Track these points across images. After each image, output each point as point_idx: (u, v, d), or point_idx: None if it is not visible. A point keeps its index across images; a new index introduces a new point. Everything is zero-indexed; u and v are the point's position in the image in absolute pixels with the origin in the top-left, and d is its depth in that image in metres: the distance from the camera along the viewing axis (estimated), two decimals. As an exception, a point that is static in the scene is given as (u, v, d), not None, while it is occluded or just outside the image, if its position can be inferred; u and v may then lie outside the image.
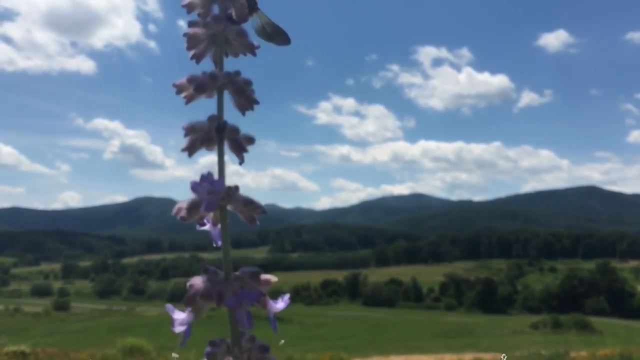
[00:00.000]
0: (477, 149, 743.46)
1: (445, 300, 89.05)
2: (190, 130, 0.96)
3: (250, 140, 1.01)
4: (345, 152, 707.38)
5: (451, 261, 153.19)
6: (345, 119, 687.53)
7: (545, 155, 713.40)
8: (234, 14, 1.05)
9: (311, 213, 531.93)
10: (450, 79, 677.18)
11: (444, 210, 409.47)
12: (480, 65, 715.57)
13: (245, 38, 1.03)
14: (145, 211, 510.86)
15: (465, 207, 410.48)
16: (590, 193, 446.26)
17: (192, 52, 1.01)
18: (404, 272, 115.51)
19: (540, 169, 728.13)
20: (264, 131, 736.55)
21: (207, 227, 1.11)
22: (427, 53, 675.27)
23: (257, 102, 1.03)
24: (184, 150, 0.98)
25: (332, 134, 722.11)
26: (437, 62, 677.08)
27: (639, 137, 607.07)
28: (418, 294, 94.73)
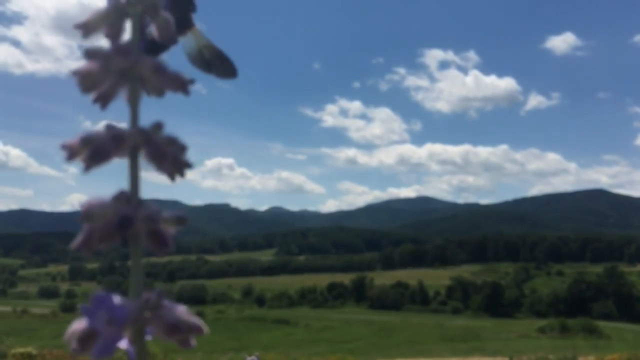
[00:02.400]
0: (484, 152, 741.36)
1: (451, 303, 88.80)
2: (87, 216, 0.64)
3: (181, 220, 0.66)
4: (352, 155, 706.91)
5: (458, 264, 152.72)
6: (352, 121, 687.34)
7: (553, 159, 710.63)
8: (155, 34, 0.71)
9: (317, 216, 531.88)
10: (457, 82, 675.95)
11: (450, 213, 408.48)
12: (487, 68, 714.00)
13: (167, 74, 0.67)
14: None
15: (472, 210, 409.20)
16: (598, 196, 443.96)
17: (92, 95, 0.67)
18: (411, 276, 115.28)
19: (548, 172, 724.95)
20: (270, 134, 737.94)
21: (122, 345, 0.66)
22: (433, 56, 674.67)
23: (188, 166, 0.68)
24: (78, 248, 0.66)
25: (338, 137, 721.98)
26: (444, 65, 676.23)
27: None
28: (424, 298, 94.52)
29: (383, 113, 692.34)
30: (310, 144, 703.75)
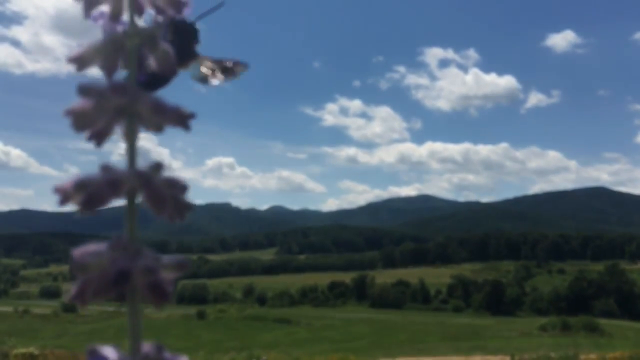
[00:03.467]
0: (484, 150, 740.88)
1: (452, 302, 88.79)
2: (81, 267, 0.59)
3: (182, 266, 0.63)
4: (352, 153, 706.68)
5: (459, 263, 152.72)
6: (352, 120, 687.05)
7: (553, 156, 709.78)
8: (154, 66, 0.65)
9: (318, 215, 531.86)
10: (457, 80, 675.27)
11: (451, 211, 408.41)
12: (487, 66, 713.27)
13: (167, 112, 0.61)
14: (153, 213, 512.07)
15: (473, 209, 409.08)
16: (599, 194, 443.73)
17: (86, 134, 0.62)
18: (412, 274, 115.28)
19: (548, 170, 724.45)
20: (271, 133, 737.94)
21: None
22: (433, 54, 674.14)
23: (189, 208, 0.64)
24: (72, 301, 0.59)
25: (338, 136, 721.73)
26: (444, 64, 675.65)
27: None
28: (425, 296, 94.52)
29: (383, 112, 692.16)
30: (311, 143, 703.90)
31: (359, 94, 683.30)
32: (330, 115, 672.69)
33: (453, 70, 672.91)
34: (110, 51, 0.62)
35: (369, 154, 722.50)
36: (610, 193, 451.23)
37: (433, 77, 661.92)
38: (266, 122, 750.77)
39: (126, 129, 0.61)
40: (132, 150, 0.61)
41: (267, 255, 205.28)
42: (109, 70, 0.63)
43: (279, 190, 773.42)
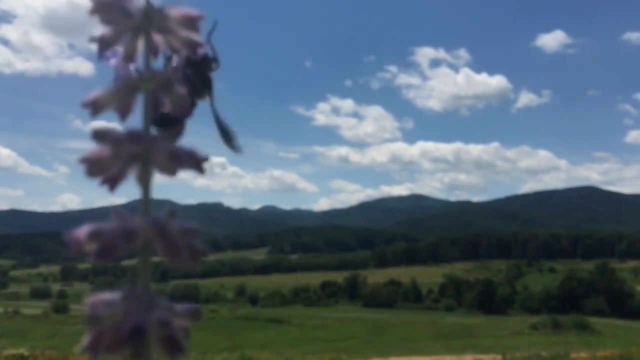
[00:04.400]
0: (476, 150, 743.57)
1: (444, 301, 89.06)
2: (93, 319, 0.58)
3: (196, 315, 0.60)
4: (344, 153, 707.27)
5: (450, 262, 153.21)
6: (344, 120, 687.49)
7: (544, 156, 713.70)
8: (169, 108, 0.64)
9: (310, 214, 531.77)
10: (448, 80, 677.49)
11: (443, 211, 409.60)
12: (478, 66, 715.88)
13: (182, 160, 0.61)
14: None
15: (464, 208, 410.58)
16: (589, 193, 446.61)
17: (99, 179, 0.61)
18: (403, 273, 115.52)
19: (539, 169, 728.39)
20: (262, 132, 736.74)
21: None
22: (424, 54, 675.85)
23: (204, 255, 0.63)
24: (85, 351, 0.58)
25: (330, 135, 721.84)
26: (435, 63, 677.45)
27: (637, 138, 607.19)
28: (417, 295, 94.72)
29: (375, 111, 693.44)
30: (303, 143, 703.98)
31: (351, 94, 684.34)
32: (322, 114, 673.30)
33: (444, 70, 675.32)
34: (124, 95, 0.62)
35: (361, 153, 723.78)
36: (600, 192, 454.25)
37: (424, 77, 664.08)
38: (258, 122, 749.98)
39: (140, 174, 0.60)
40: (146, 196, 0.60)
41: (259, 255, 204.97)
42: (123, 112, 0.62)
43: (271, 190, 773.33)
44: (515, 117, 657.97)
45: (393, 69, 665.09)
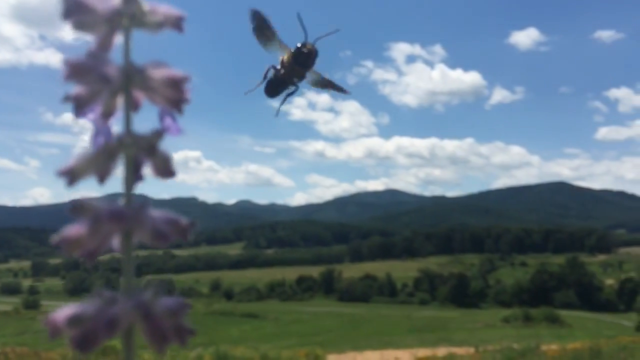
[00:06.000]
0: (450, 145, 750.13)
1: (419, 295, 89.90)
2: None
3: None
4: (320, 148, 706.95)
5: (425, 256, 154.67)
6: (320, 114, 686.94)
7: (517, 152, 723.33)
8: (153, 171, 0.61)
9: (286, 209, 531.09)
10: (424, 76, 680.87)
11: (417, 206, 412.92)
12: (453, 62, 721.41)
13: (166, 236, 0.56)
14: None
15: (439, 203, 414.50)
16: (560, 189, 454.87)
17: (76, 253, 0.56)
18: (379, 268, 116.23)
19: (512, 165, 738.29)
20: (238, 126, 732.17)
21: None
22: (400, 49, 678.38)
23: (192, 334, 0.55)
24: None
25: (306, 130, 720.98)
26: (411, 59, 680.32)
27: (606, 134, 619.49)
28: (392, 289, 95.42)
29: (351, 106, 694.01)
30: (279, 137, 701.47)
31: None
32: (298, 109, 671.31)
33: (420, 66, 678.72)
34: (103, 161, 0.57)
35: (337, 148, 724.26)
36: (571, 188, 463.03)
37: (400, 73, 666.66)
38: (233, 116, 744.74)
39: (122, 247, 0.56)
40: (128, 271, 0.55)
41: (234, 249, 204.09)
42: (101, 178, 0.57)
43: (247, 184, 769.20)
44: (489, 113, 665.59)
45: (369, 64, 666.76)
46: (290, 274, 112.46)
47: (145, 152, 0.58)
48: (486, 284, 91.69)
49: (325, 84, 1.47)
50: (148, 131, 0.58)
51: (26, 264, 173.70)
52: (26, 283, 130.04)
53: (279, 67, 1.51)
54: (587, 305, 73.47)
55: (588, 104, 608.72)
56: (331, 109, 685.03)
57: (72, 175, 0.56)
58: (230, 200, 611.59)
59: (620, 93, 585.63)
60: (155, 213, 0.56)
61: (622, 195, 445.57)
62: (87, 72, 0.55)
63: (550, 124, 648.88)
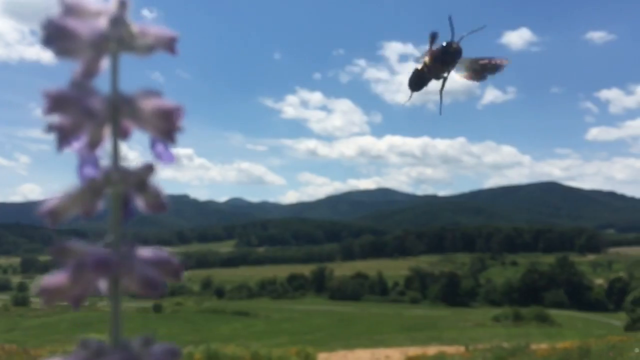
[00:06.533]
0: (442, 145, 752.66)
1: (410, 293, 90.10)
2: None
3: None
4: (312, 146, 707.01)
5: (416, 255, 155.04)
6: (312, 113, 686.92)
7: (508, 151, 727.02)
8: (143, 207, 0.56)
9: (278, 207, 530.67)
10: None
11: (409, 204, 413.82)
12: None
13: (156, 288, 0.53)
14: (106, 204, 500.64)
15: (430, 202, 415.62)
16: (551, 189, 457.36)
17: (59, 301, 0.53)
18: (370, 266, 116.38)
19: (503, 164, 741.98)
20: (230, 124, 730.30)
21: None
22: (393, 48, 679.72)
23: None
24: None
25: (298, 128, 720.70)
26: (404, 58, 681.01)
27: (597, 135, 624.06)
28: (383, 288, 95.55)
29: (343, 104, 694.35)
30: (271, 135, 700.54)
31: (320, 87, 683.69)
32: (290, 107, 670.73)
33: (412, 65, 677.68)
34: (88, 199, 0.53)
35: (329, 146, 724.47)
36: (561, 188, 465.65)
37: (393, 71, 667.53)
38: (226, 113, 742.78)
39: (110, 292, 0.52)
40: (116, 317, 0.52)
41: (225, 247, 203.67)
42: (87, 215, 0.54)
43: (238, 182, 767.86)
44: (480, 113, 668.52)
45: (362, 62, 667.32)
46: (281, 272, 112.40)
47: (135, 188, 0.54)
48: (477, 283, 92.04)
49: (478, 69, 1.54)
50: (138, 166, 0.53)
51: (15, 260, 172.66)
52: (15, 280, 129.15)
53: (420, 67, 1.63)
54: (576, 305, 73.91)
55: (579, 104, 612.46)
56: (324, 107, 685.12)
57: (54, 216, 0.53)
58: (222, 198, 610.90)
59: (611, 94, 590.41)
60: (145, 253, 0.53)
61: (612, 195, 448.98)
62: (70, 105, 0.51)
63: (541, 124, 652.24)
